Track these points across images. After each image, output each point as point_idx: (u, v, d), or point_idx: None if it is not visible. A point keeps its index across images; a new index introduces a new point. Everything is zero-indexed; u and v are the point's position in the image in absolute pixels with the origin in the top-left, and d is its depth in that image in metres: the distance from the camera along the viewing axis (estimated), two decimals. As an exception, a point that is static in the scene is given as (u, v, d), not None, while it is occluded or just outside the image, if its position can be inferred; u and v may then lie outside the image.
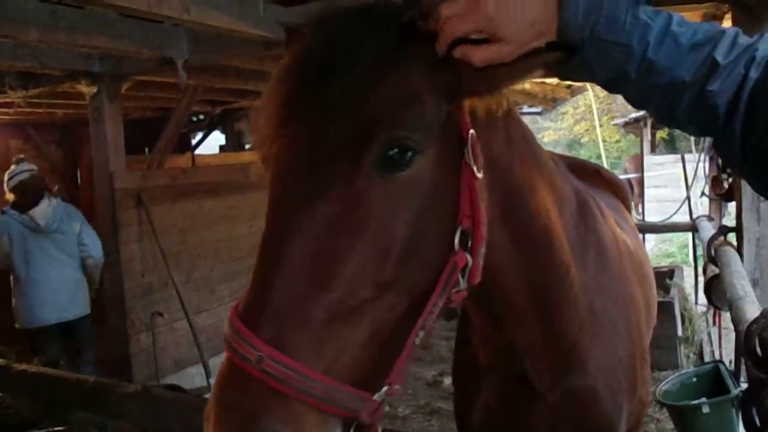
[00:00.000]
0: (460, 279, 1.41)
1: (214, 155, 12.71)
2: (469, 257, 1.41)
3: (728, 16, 4.65)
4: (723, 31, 1.36)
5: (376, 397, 1.26)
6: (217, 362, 6.81)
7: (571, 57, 1.36)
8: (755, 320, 2.02)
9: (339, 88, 1.29)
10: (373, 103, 1.29)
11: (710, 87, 1.32)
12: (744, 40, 1.36)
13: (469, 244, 1.41)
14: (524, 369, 1.98)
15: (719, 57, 1.32)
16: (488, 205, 1.54)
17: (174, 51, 5.23)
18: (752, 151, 1.32)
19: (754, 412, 2.07)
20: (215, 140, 13.63)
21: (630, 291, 2.26)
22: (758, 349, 1.96)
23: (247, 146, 12.95)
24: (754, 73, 1.30)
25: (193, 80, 6.66)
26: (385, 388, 1.29)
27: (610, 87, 1.44)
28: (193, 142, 12.90)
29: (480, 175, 1.43)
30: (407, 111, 1.32)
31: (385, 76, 1.32)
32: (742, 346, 2.12)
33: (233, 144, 12.73)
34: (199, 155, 12.13)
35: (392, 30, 1.36)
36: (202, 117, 12.02)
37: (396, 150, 1.29)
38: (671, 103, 1.38)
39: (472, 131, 1.42)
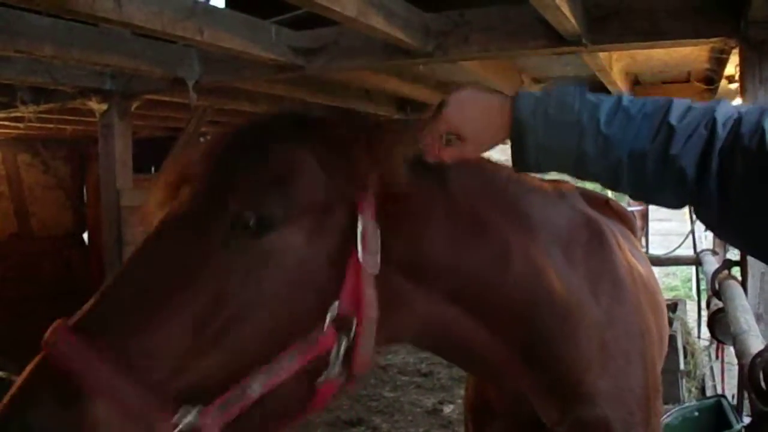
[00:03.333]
0: (334, 363, 1.42)
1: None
2: (344, 342, 1.43)
3: (735, 51, 4.69)
4: (671, 100, 1.44)
5: (176, 418, 1.25)
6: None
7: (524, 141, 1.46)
8: (759, 353, 2.03)
9: (212, 162, 1.46)
10: (234, 177, 1.41)
11: (672, 151, 1.38)
12: (699, 105, 1.43)
13: (352, 331, 1.44)
14: (532, 407, 1.97)
15: (674, 121, 1.39)
16: (429, 295, 1.60)
17: (185, 71, 5.27)
18: (730, 210, 1.37)
19: (759, 445, 2.07)
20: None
21: (645, 321, 2.24)
22: (762, 383, 1.96)
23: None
24: (722, 132, 1.36)
25: (203, 101, 6.70)
26: (191, 416, 1.27)
27: (577, 172, 1.51)
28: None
29: (369, 269, 1.46)
30: (266, 189, 1.41)
31: (254, 156, 1.44)
32: (746, 380, 2.12)
33: (240, 166, 12.75)
34: (206, 176, 12.13)
35: (298, 127, 1.50)
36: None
37: (246, 222, 1.37)
38: (639, 175, 1.43)
39: (366, 223, 1.47)
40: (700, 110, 1.41)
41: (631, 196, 1.55)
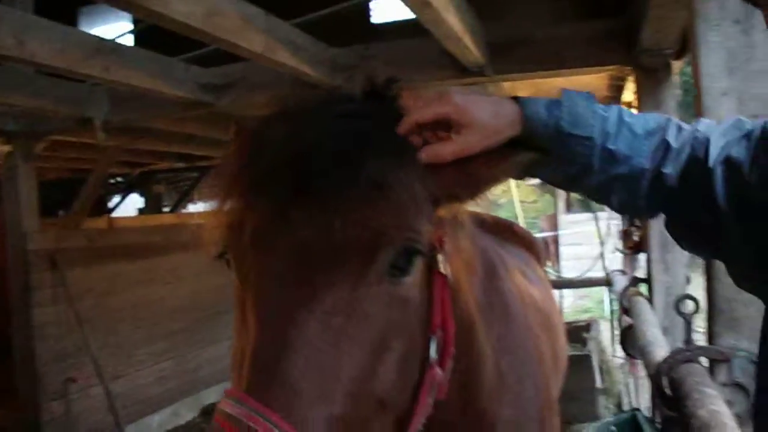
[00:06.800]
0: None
1: (131, 217, 12.49)
2: (439, 371, 1.39)
3: (631, 78, 4.91)
4: (669, 119, 1.46)
5: None
6: (133, 430, 6.53)
7: (545, 156, 1.40)
8: (663, 360, 2.11)
9: (345, 186, 1.22)
10: (386, 203, 1.24)
11: (665, 170, 1.39)
12: (685, 126, 1.46)
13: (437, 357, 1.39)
14: None
15: (671, 140, 1.41)
16: None
17: (93, 110, 5.18)
18: (687, 218, 1.40)
19: (666, 448, 2.15)
20: (133, 203, 13.42)
21: (535, 344, 2.29)
22: (667, 388, 2.04)
23: (166, 209, 12.79)
24: (692, 151, 1.39)
25: (113, 141, 6.59)
26: None
27: (572, 183, 1.47)
28: (110, 205, 12.66)
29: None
30: (416, 211, 1.28)
31: (392, 176, 1.26)
32: (653, 388, 2.21)
33: (152, 207, 12.54)
34: (117, 218, 11.89)
35: (380, 128, 1.34)
36: (120, 179, 11.84)
37: (407, 253, 1.27)
38: (632, 191, 1.43)
39: (445, 238, 1.42)
40: (688, 129, 1.44)
41: (616, 210, 1.55)
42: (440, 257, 1.40)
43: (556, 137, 1.38)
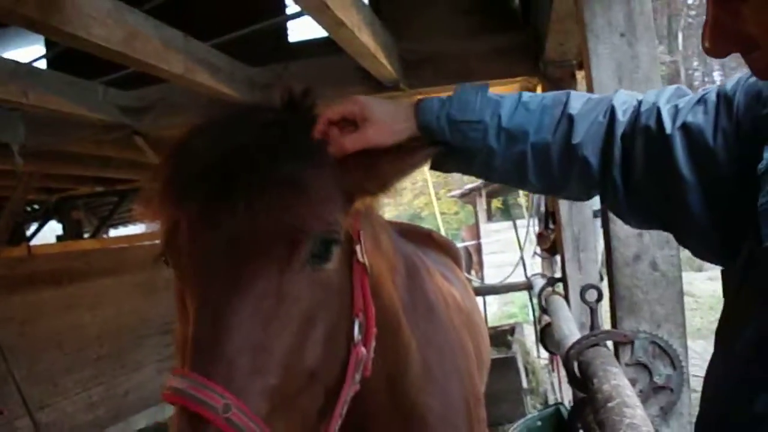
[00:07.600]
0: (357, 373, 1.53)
1: (51, 244, 12.18)
2: (363, 350, 1.54)
3: (539, 87, 5.14)
4: (569, 93, 1.53)
5: None
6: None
7: (447, 148, 1.54)
8: (572, 346, 2.25)
9: (266, 185, 1.37)
10: (304, 198, 1.39)
11: (574, 140, 1.45)
12: (596, 96, 1.52)
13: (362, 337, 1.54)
14: None
15: (573, 111, 1.47)
16: None
17: (9, 135, 5.09)
18: (635, 195, 1.43)
19: (579, 427, 2.32)
20: (51, 230, 13.08)
21: (459, 340, 2.42)
22: (576, 371, 2.20)
23: (86, 235, 12.52)
24: (622, 118, 1.43)
25: (30, 166, 6.47)
26: None
27: (486, 169, 1.57)
28: (28, 233, 12.31)
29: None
30: (331, 205, 1.44)
31: (307, 175, 1.42)
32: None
33: (71, 233, 12.25)
34: (36, 246, 11.60)
35: (297, 133, 1.50)
36: (37, 206, 11.55)
37: (325, 243, 1.42)
38: (545, 166, 1.50)
39: (361, 231, 1.58)
40: (597, 100, 1.48)
41: (539, 191, 1.64)
42: (358, 248, 1.56)
43: (449, 127, 1.52)
